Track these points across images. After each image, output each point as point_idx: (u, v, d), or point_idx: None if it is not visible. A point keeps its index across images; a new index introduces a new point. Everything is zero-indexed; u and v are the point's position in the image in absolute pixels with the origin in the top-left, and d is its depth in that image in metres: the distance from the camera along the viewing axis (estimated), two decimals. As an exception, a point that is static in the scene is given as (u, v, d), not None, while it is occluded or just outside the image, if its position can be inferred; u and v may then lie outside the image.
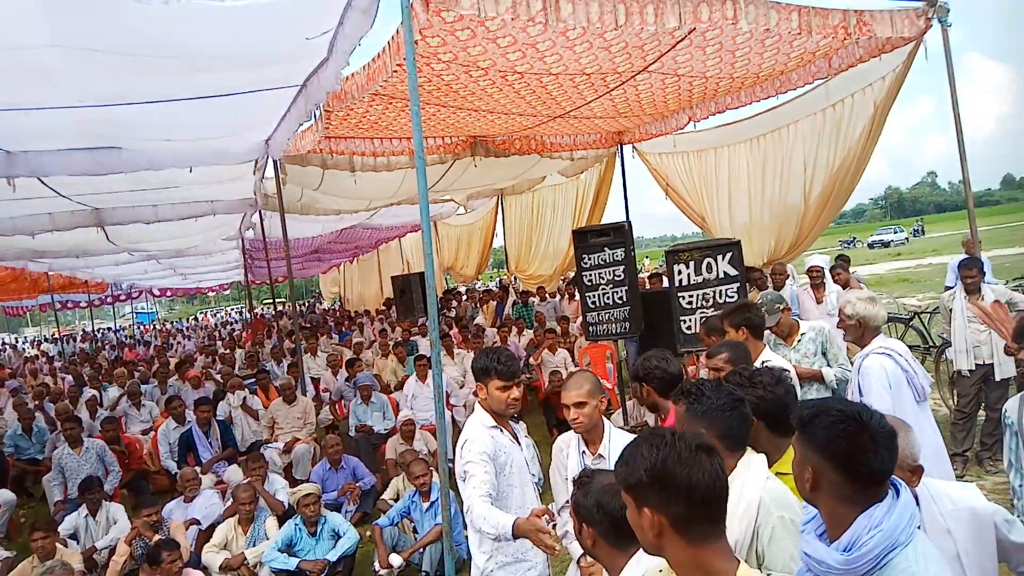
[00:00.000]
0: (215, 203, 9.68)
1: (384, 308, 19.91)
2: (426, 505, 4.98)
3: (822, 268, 6.78)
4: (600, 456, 2.96)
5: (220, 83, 4.88)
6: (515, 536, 2.48)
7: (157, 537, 4.73)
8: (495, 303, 13.45)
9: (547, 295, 12.33)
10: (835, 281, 7.13)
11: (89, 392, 9.86)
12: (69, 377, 13.83)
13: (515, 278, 15.24)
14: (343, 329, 17.06)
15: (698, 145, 9.26)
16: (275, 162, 7.61)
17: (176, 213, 9.47)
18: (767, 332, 4.47)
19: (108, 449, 6.69)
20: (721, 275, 5.61)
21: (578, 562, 2.90)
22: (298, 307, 10.34)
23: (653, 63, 5.52)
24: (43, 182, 6.91)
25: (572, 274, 14.20)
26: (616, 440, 2.98)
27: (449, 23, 4.17)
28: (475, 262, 17.22)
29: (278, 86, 5.22)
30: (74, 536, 5.54)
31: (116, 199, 8.63)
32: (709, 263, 5.62)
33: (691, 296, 5.70)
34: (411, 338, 11.74)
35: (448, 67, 4.99)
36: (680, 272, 5.69)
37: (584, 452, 3.03)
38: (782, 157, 8.37)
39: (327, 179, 8.72)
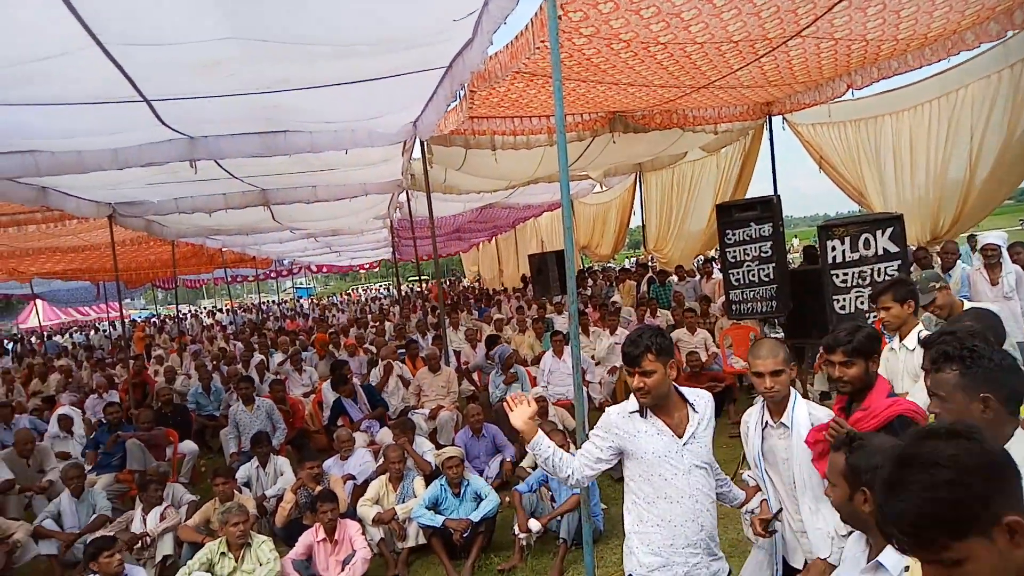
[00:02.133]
0: (367, 184, 10.24)
1: (521, 286, 20.31)
2: (563, 475, 5.09)
3: (999, 247, 6.14)
4: (783, 425, 2.84)
5: (373, 67, 5.14)
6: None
7: (319, 488, 5.18)
8: (634, 282, 13.30)
9: (686, 274, 12.03)
10: (1013, 261, 6.44)
11: (258, 357, 10.85)
12: (240, 344, 15.28)
13: (652, 257, 14.99)
14: (482, 306, 17.60)
15: (857, 114, 8.64)
16: (422, 143, 7.94)
17: (332, 194, 10.12)
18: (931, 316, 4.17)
19: (276, 408, 7.38)
20: (880, 252, 5.24)
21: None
22: (439, 285, 10.85)
23: (807, 27, 5.21)
24: (219, 164, 7.60)
25: (711, 253, 13.79)
26: (800, 409, 2.84)
27: (592, -4, 4.17)
28: (611, 241, 17.09)
29: (426, 68, 5.41)
30: (247, 484, 6.16)
31: (281, 180, 9.37)
32: (867, 239, 5.27)
33: (846, 274, 5.37)
34: (546, 316, 11.91)
35: (589, 41, 4.98)
36: (834, 249, 5.38)
37: (768, 423, 2.91)
38: (948, 125, 7.64)
39: (469, 158, 8.99)
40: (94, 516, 5.84)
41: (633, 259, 24.03)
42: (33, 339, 25.58)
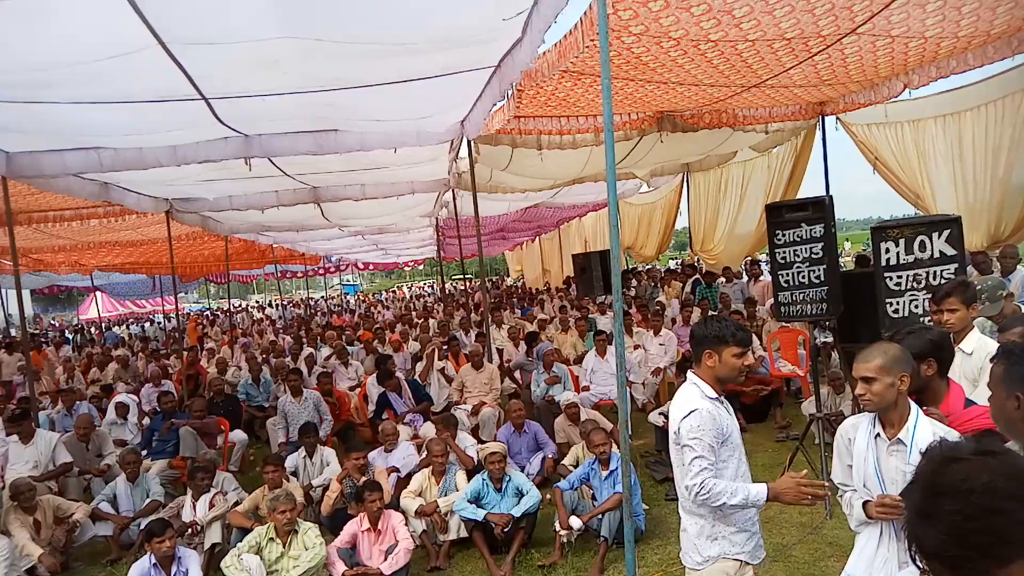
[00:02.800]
0: (414, 183, 10.37)
1: (564, 286, 20.29)
2: (605, 473, 5.09)
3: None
4: (899, 441, 2.61)
5: (421, 66, 5.21)
6: (771, 499, 2.69)
7: (364, 479, 5.28)
8: (680, 283, 13.16)
9: (733, 276, 11.86)
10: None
11: (306, 350, 11.09)
12: (288, 338, 15.62)
13: (698, 258, 14.81)
14: (525, 305, 17.64)
15: (914, 115, 8.40)
16: (469, 142, 8.01)
17: (381, 192, 10.27)
18: (986, 321, 4.05)
19: (323, 400, 7.54)
20: (936, 255, 5.09)
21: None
22: (483, 283, 10.99)
23: (863, 24, 5.08)
24: (272, 162, 7.80)
25: (760, 255, 13.56)
26: (923, 428, 2.58)
27: (642, -6, 4.15)
28: (655, 242, 16.95)
29: (475, 67, 5.46)
30: (294, 473, 6.32)
31: (331, 178, 9.56)
32: (923, 241, 5.12)
33: (900, 277, 5.23)
34: (589, 315, 11.89)
35: (639, 39, 4.95)
36: (888, 251, 5.24)
37: (878, 435, 2.70)
38: (1012, 127, 7.37)
39: (515, 158, 9.03)
40: (148, 500, 6.06)
41: (677, 261, 23.76)
42: (93, 330, 26.59)
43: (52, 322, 35.57)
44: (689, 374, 2.92)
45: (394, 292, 44.25)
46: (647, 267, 20.21)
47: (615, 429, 6.57)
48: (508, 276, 37.24)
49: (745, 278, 11.83)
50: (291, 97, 5.48)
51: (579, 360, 9.02)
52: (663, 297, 12.69)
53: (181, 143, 6.52)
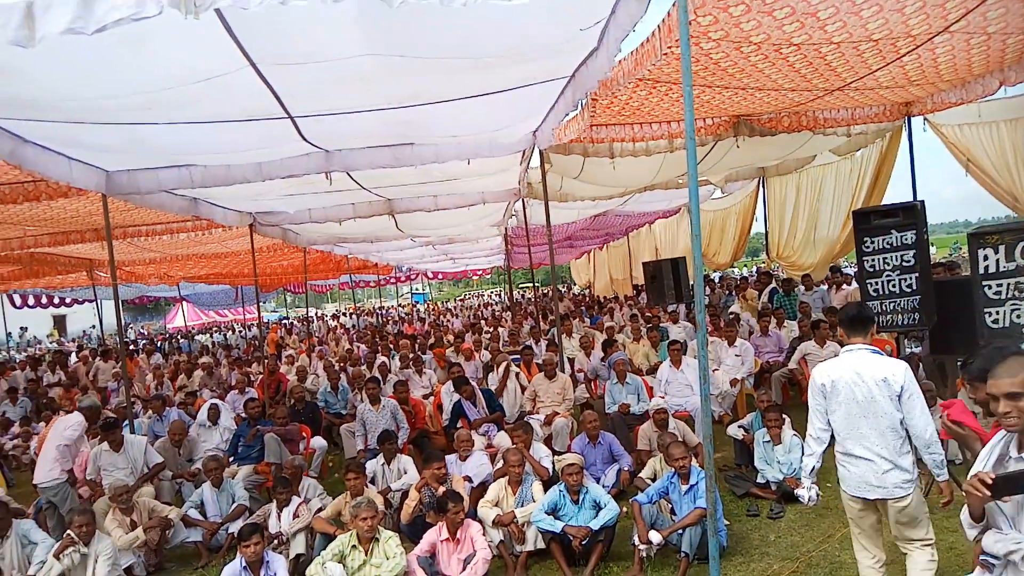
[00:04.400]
0: (485, 193, 10.48)
1: (633, 294, 20.06)
2: (685, 488, 4.99)
3: None
4: None
5: (498, 80, 5.26)
6: None
7: (443, 488, 5.33)
8: (755, 291, 12.79)
9: (813, 284, 11.46)
10: None
11: (380, 359, 11.31)
12: (363, 346, 15.98)
13: (776, 265, 14.39)
14: (593, 314, 17.51)
15: (1011, 113, 7.96)
16: (541, 152, 8.03)
17: (453, 203, 10.43)
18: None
19: (400, 408, 7.67)
20: (1040, 261, 4.81)
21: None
22: (554, 291, 10.98)
23: (956, 22, 4.85)
24: (351, 176, 8.02)
25: (843, 263, 13.06)
26: None
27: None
28: (730, 248, 16.55)
29: (549, 78, 5.48)
30: (372, 480, 6.44)
31: (405, 190, 9.76)
32: (1024, 247, 4.85)
33: (1000, 285, 4.95)
34: (660, 324, 11.70)
35: (718, 45, 4.87)
36: (986, 258, 4.97)
37: (1010, 455, 2.49)
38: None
39: (587, 167, 9.01)
40: (234, 505, 6.29)
41: (754, 268, 23.14)
42: (180, 339, 27.90)
43: (141, 330, 37.50)
44: (861, 345, 3.65)
45: (463, 300, 44.67)
46: (721, 275, 19.77)
47: (699, 444, 6.45)
48: (574, 284, 37.11)
49: (825, 286, 11.41)
50: (372, 114, 5.62)
51: (652, 371, 8.88)
52: (737, 306, 12.37)
53: (266, 160, 6.78)
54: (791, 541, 5.18)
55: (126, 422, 7.82)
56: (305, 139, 6.18)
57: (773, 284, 11.94)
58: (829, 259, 12.41)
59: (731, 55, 5.09)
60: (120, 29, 3.34)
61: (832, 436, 3.74)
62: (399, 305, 39.42)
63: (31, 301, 20.43)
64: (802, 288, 11.18)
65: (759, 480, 6.08)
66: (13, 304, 19.59)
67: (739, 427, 6.65)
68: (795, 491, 3.92)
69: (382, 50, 4.32)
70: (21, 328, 32.10)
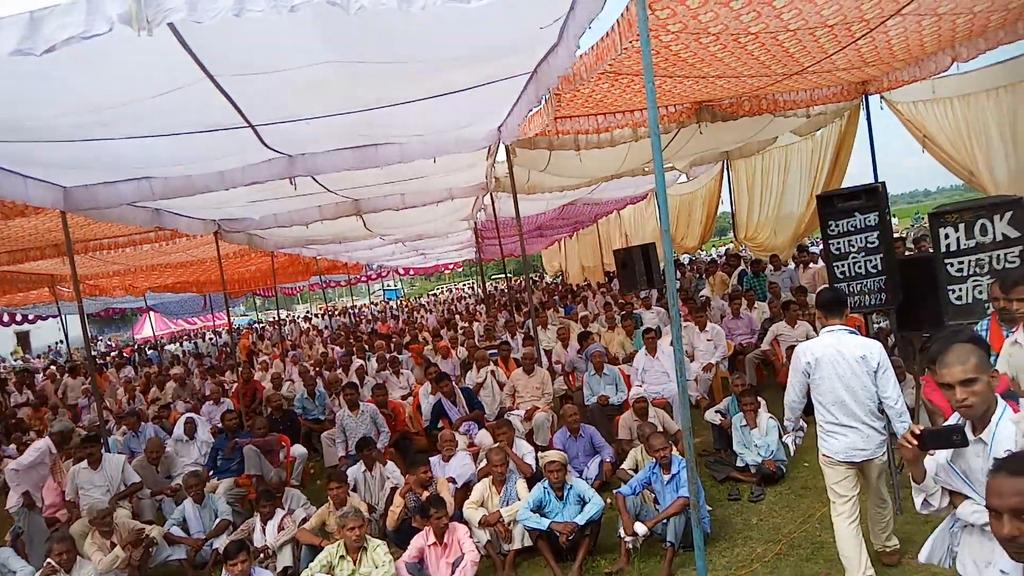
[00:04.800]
0: (453, 189, 10.44)
1: (606, 281, 20.18)
2: (667, 477, 5.05)
3: None
4: (980, 441, 2.49)
5: (460, 79, 5.23)
6: None
7: (427, 493, 5.33)
8: (725, 274, 12.95)
9: (781, 264, 11.65)
10: None
11: (357, 362, 11.24)
12: (337, 348, 15.85)
13: (744, 247, 14.58)
14: (568, 303, 17.58)
15: (964, 89, 8.14)
16: (506, 147, 8.02)
17: (420, 200, 10.38)
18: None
19: (379, 412, 7.64)
20: (999, 238, 4.92)
21: None
22: (526, 283, 10.97)
23: (907, 4, 4.94)
24: (315, 179, 7.93)
25: (807, 241, 13.28)
26: (1006, 425, 2.47)
27: (680, -7, 4.10)
28: (697, 231, 16.75)
29: (511, 75, 5.46)
30: (354, 488, 6.41)
31: (371, 191, 9.68)
32: (984, 224, 4.95)
33: (961, 263, 5.07)
34: (634, 311, 11.79)
35: (677, 37, 4.90)
36: (947, 236, 5.08)
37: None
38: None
39: (553, 159, 9.02)
40: (216, 520, 6.21)
41: (723, 249, 23.41)
42: (149, 350, 27.41)
43: (108, 343, 36.75)
44: (839, 326, 4.07)
45: (435, 296, 44.51)
46: (691, 258, 19.98)
47: (679, 431, 6.53)
48: (546, 273, 37.21)
49: (793, 265, 11.60)
50: (334, 118, 5.56)
51: (628, 359, 8.96)
52: (708, 290, 12.52)
53: (228, 168, 6.67)
54: (773, 523, 5.28)
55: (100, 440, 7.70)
56: (267, 146, 6.09)
57: (742, 266, 12.10)
58: (795, 238, 12.62)
59: (690, 46, 5.13)
60: (72, 49, 3.27)
61: (808, 407, 4.25)
62: (371, 303, 39.14)
63: (-8, 320, 19.91)
64: (771, 268, 11.35)
65: (738, 464, 6.18)
66: (-27, 324, 19.08)
67: (716, 412, 6.75)
68: (783, 439, 4.35)
69: (341, 57, 4.26)
70: (-18, 347, 31.26)
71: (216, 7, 2.87)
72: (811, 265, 10.59)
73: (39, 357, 34.53)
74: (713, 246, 31.42)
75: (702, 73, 6.10)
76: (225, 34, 3.63)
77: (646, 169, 11.30)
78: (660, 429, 5.82)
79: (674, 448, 5.28)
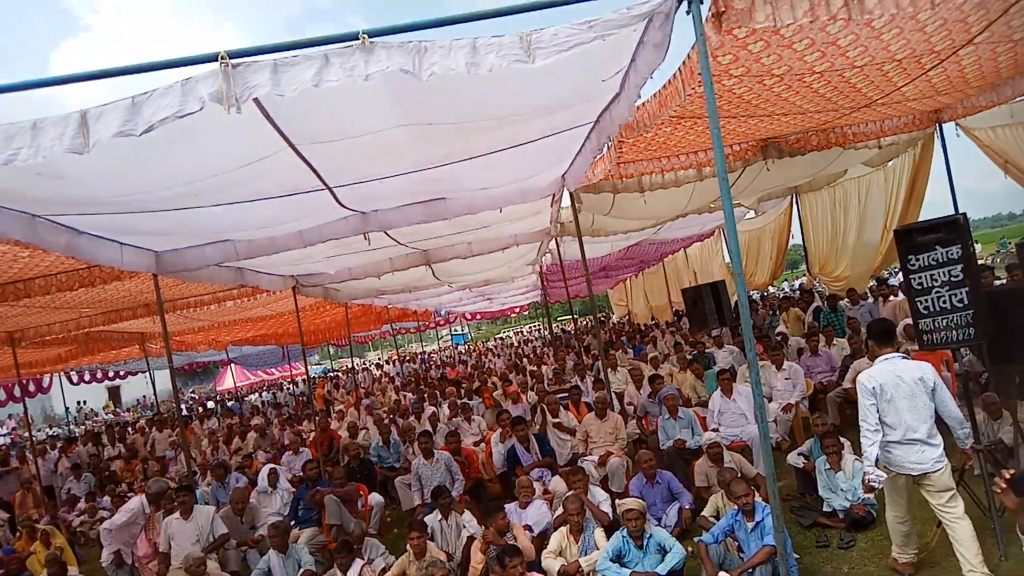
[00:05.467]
0: (518, 235, 10.62)
1: (674, 320, 19.88)
2: (751, 525, 4.90)
3: None
4: None
5: (525, 132, 5.38)
6: None
7: (503, 542, 5.32)
8: (799, 310, 12.59)
9: (859, 298, 11.26)
10: None
11: (429, 409, 11.38)
12: (409, 394, 16.09)
13: (818, 280, 14.17)
14: (636, 343, 17.38)
15: (1045, 111, 7.80)
16: (571, 193, 8.12)
17: (486, 247, 10.59)
18: None
19: (453, 460, 7.70)
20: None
21: None
22: (594, 325, 10.93)
23: (979, 34, 4.84)
24: (387, 234, 8.21)
25: (886, 273, 12.82)
26: None
27: (741, 39, 4.14)
28: (767, 267, 16.41)
29: (574, 125, 5.59)
30: (431, 537, 6.44)
31: (439, 241, 9.95)
32: (1079, 251, 4.73)
33: (1056, 292, 4.83)
34: (706, 350, 11.58)
35: (740, 81, 4.93)
36: (1039, 264, 4.87)
37: None
38: None
39: (617, 202, 9.07)
40: (300, 571, 6.33)
41: (796, 283, 22.78)
42: (231, 401, 28.45)
43: (192, 395, 38.30)
44: (893, 353, 4.59)
45: (502, 339, 44.70)
46: (761, 294, 19.52)
47: (758, 475, 6.34)
48: (613, 313, 36.92)
49: (871, 299, 11.20)
50: (404, 177, 5.79)
51: (701, 403, 8.78)
52: (783, 326, 12.18)
53: (307, 227, 7.00)
54: (865, 572, 5.04)
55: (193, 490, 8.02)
56: (343, 205, 6.37)
57: (817, 302, 11.74)
58: (871, 271, 12.20)
59: (753, 88, 5.14)
60: (168, 130, 3.54)
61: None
62: (440, 349, 39.64)
63: (87, 377, 21.13)
64: (847, 303, 10.98)
65: (825, 509, 5.94)
66: (70, 381, 20.27)
67: (799, 455, 6.52)
68: (865, 478, 4.54)
69: (412, 120, 4.47)
70: (79, 402, 33.05)
71: (297, 80, 3.10)
72: (891, 298, 10.21)
73: (128, 411, 36.22)
74: (785, 280, 30.61)
75: (767, 112, 6.09)
76: (305, 106, 3.87)
77: (712, 207, 11.22)
78: (739, 474, 5.66)
79: (756, 494, 5.12)
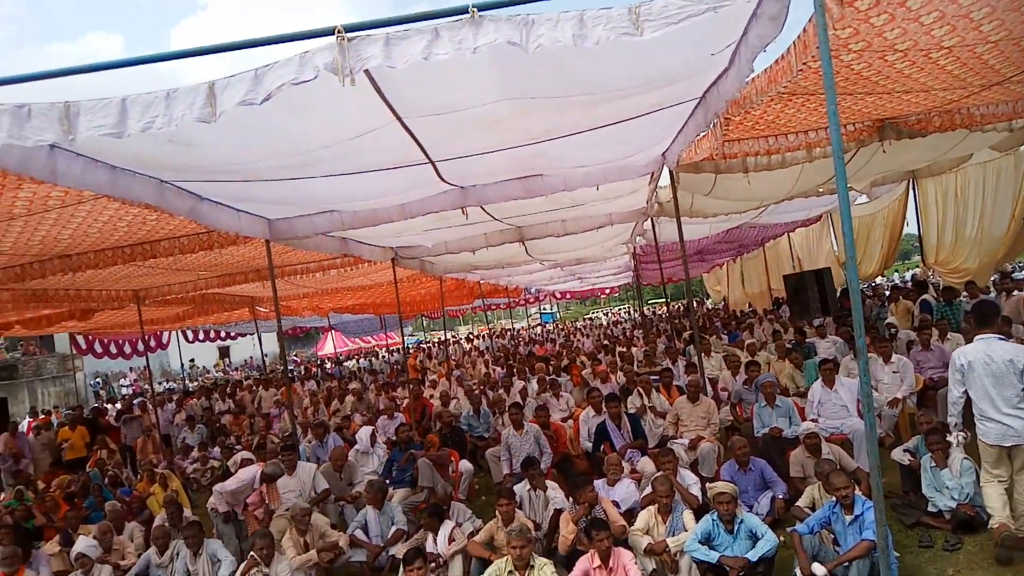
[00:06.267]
0: (613, 215, 10.54)
1: (773, 308, 19.20)
2: (849, 518, 4.74)
3: None
4: None
5: (628, 108, 5.32)
6: None
7: (591, 516, 5.38)
8: (910, 302, 11.90)
9: (978, 291, 10.51)
10: None
11: (518, 383, 11.55)
12: (499, 368, 16.35)
13: (933, 272, 13.32)
14: (731, 330, 16.94)
15: None
16: (671, 172, 7.97)
17: (580, 226, 10.58)
18: None
19: (542, 433, 7.81)
20: None
21: None
22: (689, 308, 10.73)
23: None
24: (484, 209, 8.34)
25: (1010, 267, 11.91)
26: None
27: (863, 11, 3.93)
28: (877, 255, 15.52)
29: (679, 101, 5.47)
30: (519, 505, 6.58)
31: (534, 218, 10.02)
32: None
33: None
34: (806, 340, 11.15)
35: (859, 56, 4.68)
36: None
37: None
38: None
39: (719, 183, 8.83)
40: (393, 529, 6.62)
41: (907, 274, 21.52)
42: (328, 365, 29.81)
43: (294, 358, 40.33)
44: (990, 335, 4.84)
45: (591, 320, 44.53)
46: (870, 285, 18.54)
47: (858, 469, 6.11)
48: (707, 299, 36.05)
49: (993, 293, 10.44)
50: (505, 152, 5.86)
51: (799, 394, 8.49)
52: (892, 318, 11.55)
53: (408, 200, 7.22)
54: (972, 576, 4.78)
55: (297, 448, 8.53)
56: (443, 179, 6.52)
57: (925, 295, 11.05)
58: (993, 263, 11.35)
59: (874, 64, 4.87)
60: (287, 100, 3.73)
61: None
62: (528, 327, 39.96)
63: (201, 336, 22.66)
64: (966, 296, 10.28)
65: (930, 508, 5.66)
66: (187, 339, 21.80)
67: (904, 451, 6.22)
68: (947, 437, 5.00)
69: (516, 94, 4.52)
70: (190, 360, 35.46)
71: (408, 53, 3.18)
72: (1015, 293, 9.49)
73: (237, 370, 38.58)
74: (896, 271, 28.94)
75: (886, 90, 5.76)
76: (413, 79, 3.99)
77: (820, 191, 10.73)
78: (838, 466, 5.47)
79: (857, 489, 4.94)
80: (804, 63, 4.46)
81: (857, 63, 4.80)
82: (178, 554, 6.35)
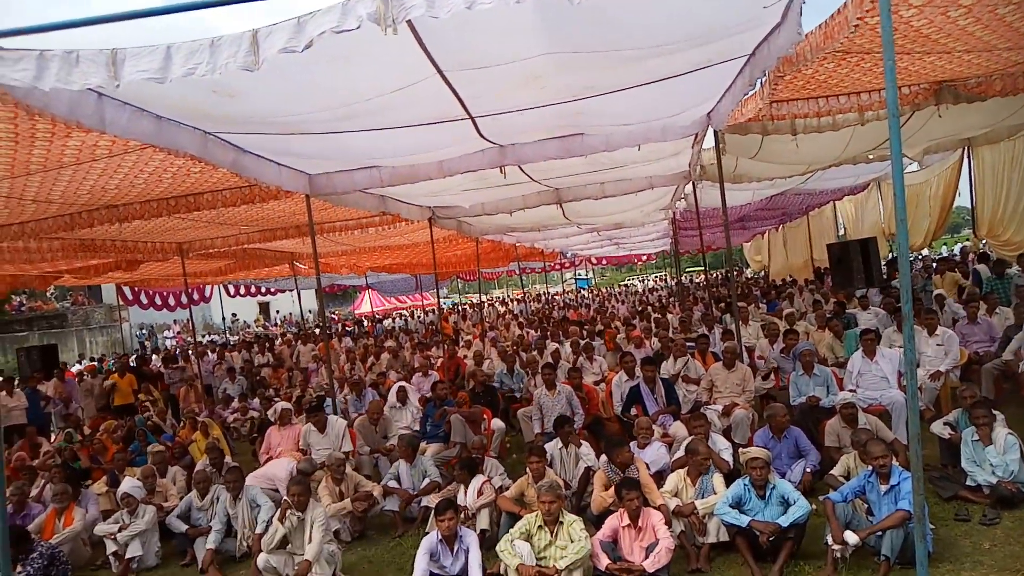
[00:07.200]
0: (653, 178, 10.34)
1: (814, 279, 18.82)
2: (884, 488, 4.68)
3: None
4: None
5: (674, 64, 5.17)
6: None
7: (622, 476, 5.40)
8: (957, 274, 11.55)
9: (1032, 265, 10.15)
10: None
11: (552, 345, 11.57)
12: (532, 331, 16.40)
13: (984, 243, 12.86)
14: (771, 299, 16.68)
15: None
16: (716, 133, 7.77)
17: (620, 189, 10.42)
18: None
19: (574, 394, 7.84)
20: None
21: None
22: (728, 276, 10.56)
23: None
24: (522, 169, 8.27)
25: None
26: None
27: (928, -39, 3.74)
28: (925, 226, 15.01)
29: (727, 58, 5.30)
30: (550, 463, 6.63)
31: (572, 180, 9.90)
32: None
33: None
34: (847, 311, 10.92)
35: (920, 12, 4.47)
36: None
37: None
38: None
39: (765, 145, 8.60)
40: (425, 480, 6.77)
41: (956, 247, 20.86)
42: (365, 323, 30.25)
43: (332, 315, 41.03)
44: None
45: (626, 286, 44.28)
46: (917, 255, 18.02)
47: (895, 440, 6.02)
48: (747, 268, 35.50)
49: (1048, 267, 10.07)
50: (546, 108, 5.77)
51: (838, 365, 8.35)
52: (940, 290, 11.22)
53: (447, 157, 7.18)
54: (1010, 551, 4.69)
55: (327, 401, 8.72)
56: (483, 136, 6.46)
57: (973, 266, 10.68)
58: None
59: (935, 20, 4.65)
60: (329, 51, 3.70)
61: None
62: (564, 291, 39.91)
63: (242, 290, 23.12)
64: (1018, 269, 9.92)
65: (968, 482, 5.55)
66: (228, 293, 22.27)
67: (944, 424, 6.10)
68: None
69: (558, 48, 4.42)
70: (232, 314, 36.30)
71: (451, 3, 3.10)
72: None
73: (276, 325, 39.41)
74: (944, 243, 28.07)
75: (947, 48, 5.51)
76: (456, 31, 3.92)
77: (870, 156, 10.38)
78: (875, 436, 5.39)
79: (894, 460, 4.86)
80: (860, 18, 4.27)
81: (917, 19, 4.59)
82: (218, 498, 6.57)
